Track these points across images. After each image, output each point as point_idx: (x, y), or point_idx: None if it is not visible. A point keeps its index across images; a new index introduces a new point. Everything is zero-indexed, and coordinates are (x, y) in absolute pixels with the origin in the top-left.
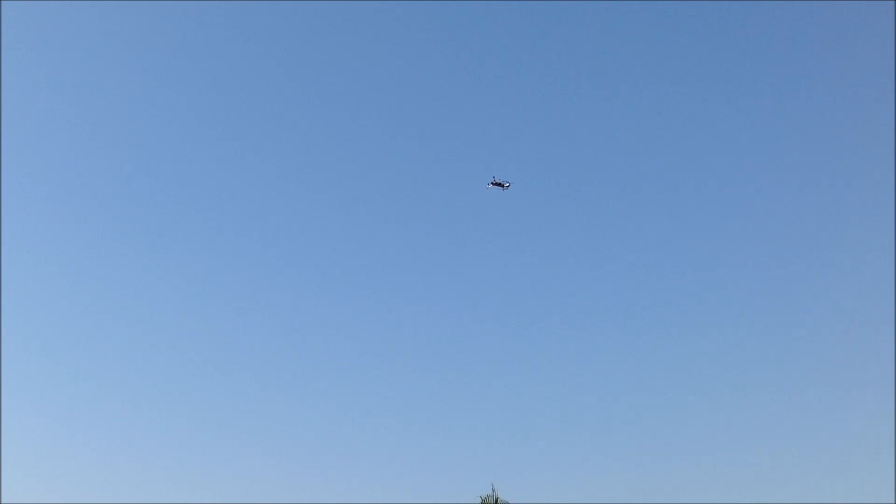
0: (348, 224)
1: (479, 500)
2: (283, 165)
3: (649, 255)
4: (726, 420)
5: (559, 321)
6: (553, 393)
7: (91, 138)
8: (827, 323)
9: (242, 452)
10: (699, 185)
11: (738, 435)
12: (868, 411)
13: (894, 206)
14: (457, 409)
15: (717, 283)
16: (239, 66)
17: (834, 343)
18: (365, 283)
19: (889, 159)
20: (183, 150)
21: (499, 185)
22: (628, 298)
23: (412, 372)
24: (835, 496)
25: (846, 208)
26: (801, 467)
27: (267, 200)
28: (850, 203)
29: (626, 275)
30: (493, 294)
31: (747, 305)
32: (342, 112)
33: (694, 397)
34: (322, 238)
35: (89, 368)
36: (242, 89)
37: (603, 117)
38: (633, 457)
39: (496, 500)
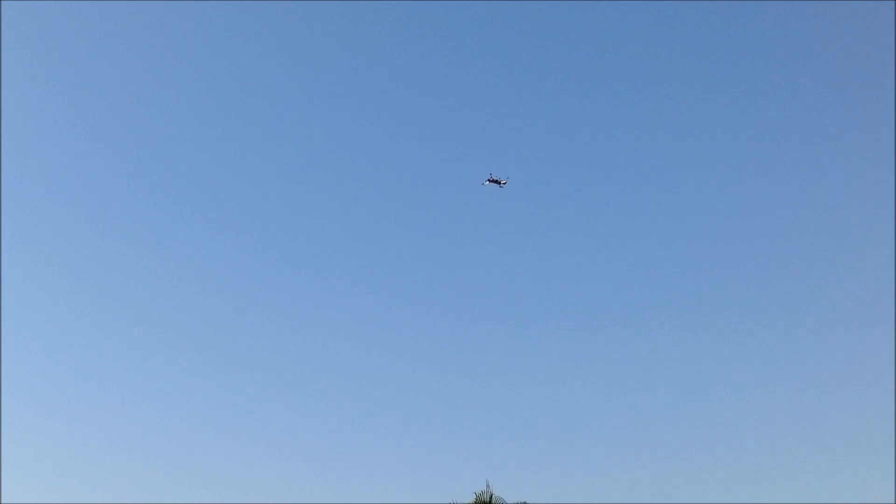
0: (348, 223)
1: (474, 497)
2: (282, 165)
3: (648, 255)
4: (725, 419)
5: (557, 320)
6: (549, 391)
7: (91, 138)
8: (827, 322)
9: (242, 452)
10: (699, 184)
11: (737, 435)
12: (868, 411)
13: (894, 206)
14: (454, 407)
15: (716, 283)
16: (239, 66)
17: (834, 342)
18: (363, 283)
19: (889, 159)
20: (183, 150)
21: (495, 181)
22: (627, 298)
23: (409, 370)
24: (835, 496)
25: (846, 208)
26: (801, 467)
27: (266, 200)
28: (850, 203)
29: (625, 274)
30: (490, 292)
31: (746, 305)
32: (342, 112)
33: (692, 397)
34: (321, 238)
35: (89, 368)
36: (242, 89)
37: (603, 117)
38: (630, 456)
39: (490, 497)
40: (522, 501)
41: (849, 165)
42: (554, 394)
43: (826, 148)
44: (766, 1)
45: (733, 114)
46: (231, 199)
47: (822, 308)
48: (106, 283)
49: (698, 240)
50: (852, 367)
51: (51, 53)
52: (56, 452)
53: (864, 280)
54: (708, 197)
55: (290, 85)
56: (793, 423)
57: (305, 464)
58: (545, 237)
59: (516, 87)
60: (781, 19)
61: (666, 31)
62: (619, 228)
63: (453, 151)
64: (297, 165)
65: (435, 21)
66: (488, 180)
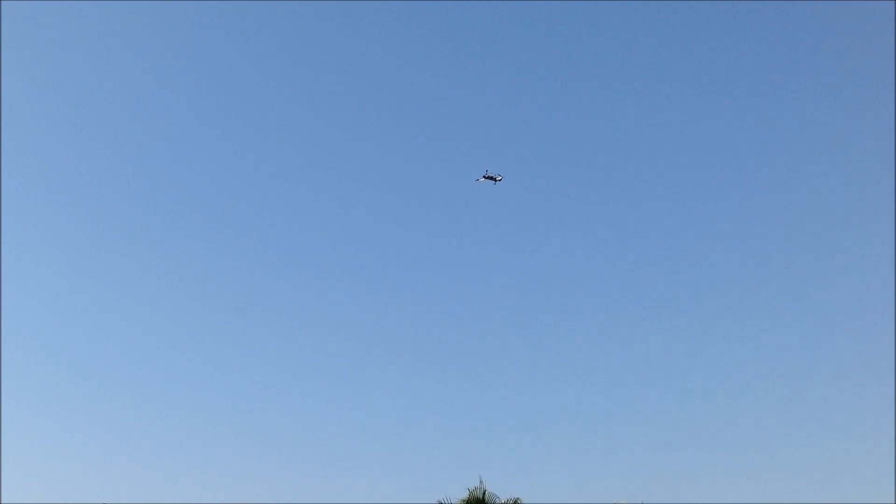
0: (347, 223)
1: (467, 493)
2: (282, 165)
3: (645, 253)
4: (724, 419)
5: (553, 318)
6: (543, 389)
7: (91, 138)
8: (827, 322)
9: (242, 452)
10: (698, 184)
11: (736, 434)
12: (868, 411)
13: (894, 206)
14: (448, 404)
15: (715, 282)
16: (239, 66)
17: (834, 342)
18: (356, 280)
19: (889, 159)
20: (183, 150)
21: (490, 178)
22: (624, 295)
23: (403, 368)
24: (835, 496)
25: (846, 208)
26: (800, 467)
27: (266, 200)
28: (850, 203)
29: (623, 272)
30: (485, 291)
31: (745, 305)
32: (342, 112)
33: (689, 396)
34: (321, 237)
35: (89, 368)
36: (242, 89)
37: (604, 116)
38: (625, 454)
39: (483, 493)
40: (515, 498)
41: (849, 165)
42: (548, 391)
43: (826, 148)
44: (766, 1)
45: (732, 113)
46: (231, 199)
47: (823, 307)
48: (106, 283)
49: (698, 239)
50: (852, 366)
51: (51, 53)
52: (56, 452)
53: (864, 280)
54: (707, 196)
55: (289, 85)
56: (792, 423)
57: (299, 461)
58: (542, 236)
59: (516, 86)
60: (781, 19)
61: (666, 30)
62: (618, 226)
63: (453, 151)
64: (297, 165)
65: (435, 21)
66: (483, 177)
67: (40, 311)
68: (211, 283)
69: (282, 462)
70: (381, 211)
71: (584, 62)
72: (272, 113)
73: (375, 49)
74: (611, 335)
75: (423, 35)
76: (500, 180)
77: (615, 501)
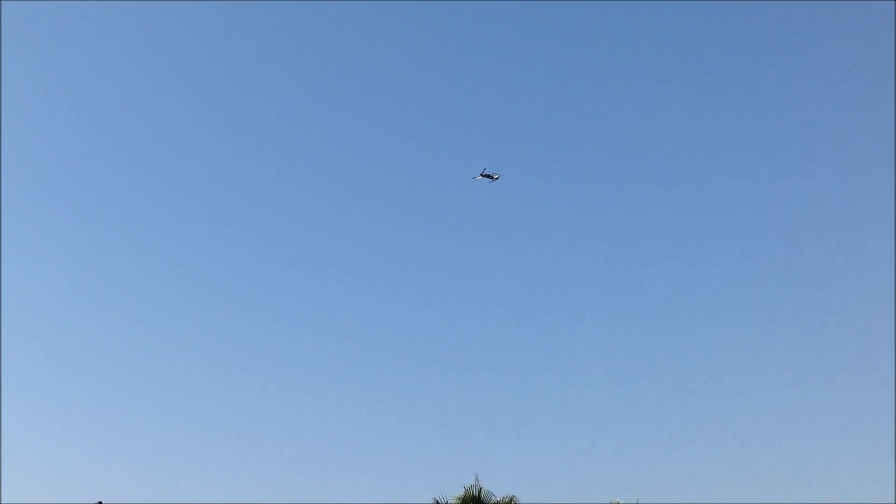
0: (347, 223)
1: (463, 490)
2: (282, 165)
3: (645, 252)
4: (723, 418)
5: (549, 316)
6: (539, 387)
7: (91, 138)
8: (827, 321)
9: (242, 452)
10: (698, 183)
11: (735, 434)
12: (868, 410)
13: (894, 205)
14: (445, 402)
15: (713, 281)
16: (239, 66)
17: (834, 341)
18: (358, 281)
19: (889, 159)
20: (183, 150)
21: (488, 176)
22: (622, 295)
23: (399, 366)
24: (835, 496)
25: (846, 208)
26: (800, 467)
27: (266, 200)
28: (850, 203)
29: (621, 272)
30: (481, 289)
31: (744, 304)
32: (342, 112)
33: (688, 395)
34: (320, 236)
35: (89, 368)
36: (242, 89)
37: (604, 115)
38: (624, 454)
39: (479, 491)
40: (511, 496)
41: (849, 165)
42: (544, 389)
43: (826, 148)
44: (766, 1)
45: (733, 113)
46: (231, 199)
47: (822, 307)
48: (106, 283)
49: (696, 237)
50: (852, 366)
51: (51, 53)
52: (56, 452)
53: (864, 280)
54: (707, 195)
55: (289, 85)
56: (792, 423)
57: (296, 460)
58: (536, 234)
59: (516, 85)
60: (781, 19)
61: (666, 30)
62: (614, 226)
63: (453, 150)
64: (297, 165)
65: (434, 20)
66: (481, 175)
67: (40, 311)
68: (211, 283)
69: (279, 461)
70: (380, 210)
71: (584, 61)
72: (272, 113)
73: (375, 49)
74: (608, 334)
75: (423, 35)
76: (497, 178)
77: (611, 500)
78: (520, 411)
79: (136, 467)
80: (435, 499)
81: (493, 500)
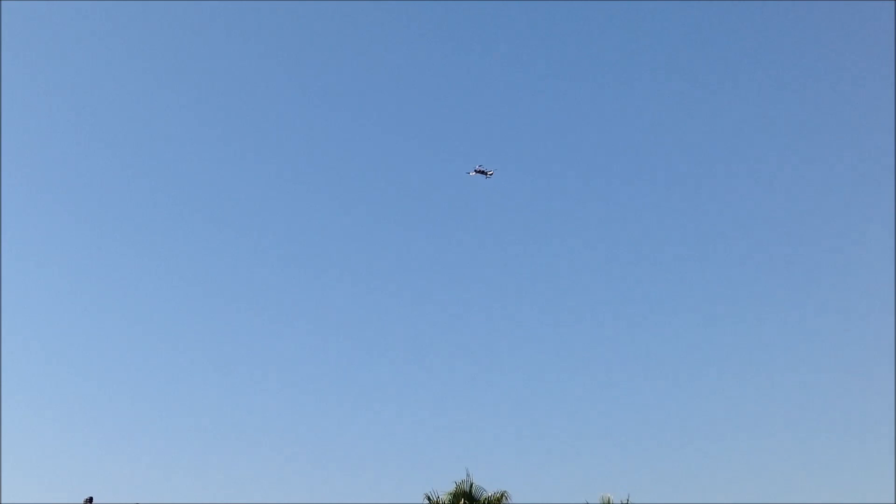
0: (346, 222)
1: (454, 486)
2: (283, 165)
3: (642, 250)
4: (722, 418)
5: (543, 314)
6: (531, 383)
7: (91, 138)
8: (828, 321)
9: (242, 452)
10: (698, 182)
11: (734, 433)
12: (868, 410)
13: (894, 205)
14: (436, 398)
15: (712, 280)
16: (239, 66)
17: (834, 341)
18: (350, 278)
19: (889, 159)
20: (183, 150)
21: (482, 172)
22: (616, 293)
23: (391, 362)
24: (835, 496)
25: (846, 208)
26: (800, 466)
27: (267, 200)
28: (850, 203)
29: (616, 269)
30: (472, 286)
31: (743, 303)
32: (341, 111)
33: (687, 394)
34: (319, 235)
35: (89, 368)
36: (242, 89)
37: (604, 115)
38: (617, 451)
39: (470, 486)
40: (502, 491)
41: (849, 165)
42: (536, 386)
43: (826, 148)
44: (767, 1)
45: (732, 113)
46: (231, 199)
47: (823, 306)
48: (106, 283)
49: (695, 236)
50: (852, 366)
51: (51, 53)
52: (56, 452)
53: (864, 280)
54: (706, 195)
55: (289, 85)
56: (792, 423)
57: (287, 457)
58: (532, 232)
59: (515, 85)
60: (782, 19)
61: (666, 30)
62: (612, 224)
63: (453, 150)
64: (298, 165)
65: (433, 20)
66: (475, 170)
67: (40, 311)
68: (211, 283)
69: (274, 459)
70: (378, 208)
71: (584, 61)
72: (271, 112)
73: (372, 48)
74: (600, 331)
75: (422, 34)
76: (491, 175)
77: (602, 496)
78: (511, 408)
79: (136, 467)
80: (426, 494)
81: (485, 495)
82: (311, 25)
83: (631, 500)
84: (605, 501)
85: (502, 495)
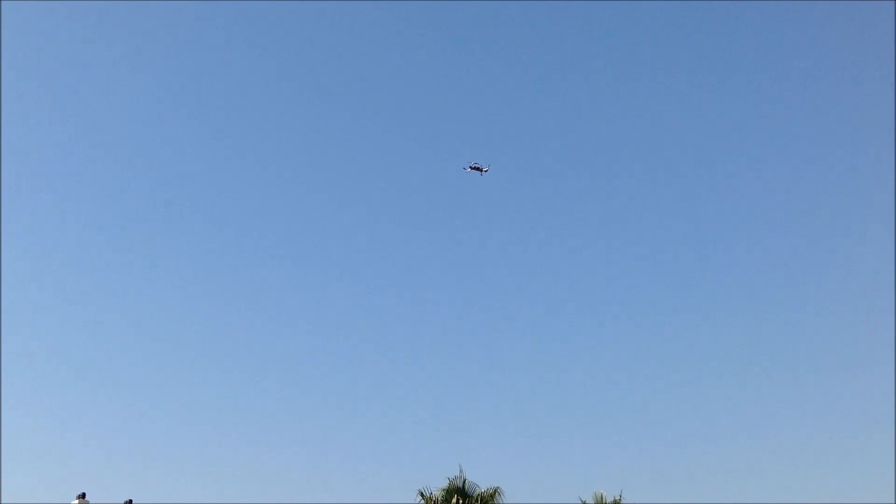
0: (345, 222)
1: (448, 482)
2: (282, 165)
3: (641, 249)
4: (720, 417)
5: (536, 311)
6: (526, 379)
7: (91, 138)
8: (828, 321)
9: (242, 452)
10: (698, 182)
11: (732, 432)
12: (869, 410)
13: (894, 205)
14: (430, 394)
15: (711, 279)
16: (239, 66)
17: (834, 341)
18: (346, 276)
19: (889, 159)
20: (183, 150)
21: (477, 169)
22: (612, 291)
23: (385, 358)
24: (835, 496)
25: (846, 208)
26: (800, 466)
27: (266, 200)
28: (850, 203)
29: (611, 266)
30: (466, 283)
31: (743, 303)
32: (340, 111)
33: (684, 393)
34: (318, 234)
35: (89, 368)
36: (242, 89)
37: (604, 114)
38: (617, 451)
39: (464, 482)
40: (495, 487)
41: (849, 165)
42: (529, 382)
43: (826, 148)
44: (767, 1)
45: (732, 113)
46: (231, 198)
47: (823, 306)
48: (106, 283)
49: (695, 235)
50: (852, 365)
51: (51, 53)
52: (56, 452)
53: (864, 279)
54: (706, 195)
55: (289, 85)
56: (792, 423)
57: (281, 454)
58: (528, 230)
59: (515, 84)
60: (782, 19)
61: (665, 30)
62: (610, 223)
63: (453, 150)
64: (298, 165)
65: (434, 20)
66: (470, 167)
67: (40, 311)
68: (210, 283)
69: (272, 456)
70: (378, 208)
71: (584, 60)
72: (271, 112)
73: (372, 47)
74: (594, 329)
75: (422, 34)
76: (486, 171)
77: (595, 492)
78: (505, 405)
79: (135, 467)
80: (419, 490)
81: (478, 491)
82: (311, 25)
83: (624, 498)
84: (599, 499)
85: (495, 491)
